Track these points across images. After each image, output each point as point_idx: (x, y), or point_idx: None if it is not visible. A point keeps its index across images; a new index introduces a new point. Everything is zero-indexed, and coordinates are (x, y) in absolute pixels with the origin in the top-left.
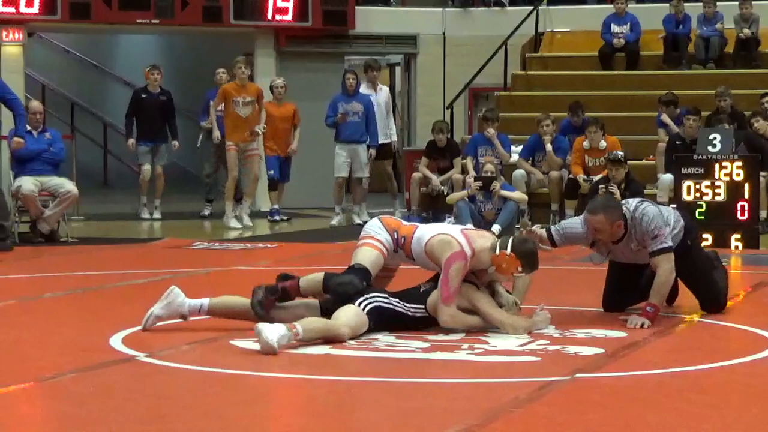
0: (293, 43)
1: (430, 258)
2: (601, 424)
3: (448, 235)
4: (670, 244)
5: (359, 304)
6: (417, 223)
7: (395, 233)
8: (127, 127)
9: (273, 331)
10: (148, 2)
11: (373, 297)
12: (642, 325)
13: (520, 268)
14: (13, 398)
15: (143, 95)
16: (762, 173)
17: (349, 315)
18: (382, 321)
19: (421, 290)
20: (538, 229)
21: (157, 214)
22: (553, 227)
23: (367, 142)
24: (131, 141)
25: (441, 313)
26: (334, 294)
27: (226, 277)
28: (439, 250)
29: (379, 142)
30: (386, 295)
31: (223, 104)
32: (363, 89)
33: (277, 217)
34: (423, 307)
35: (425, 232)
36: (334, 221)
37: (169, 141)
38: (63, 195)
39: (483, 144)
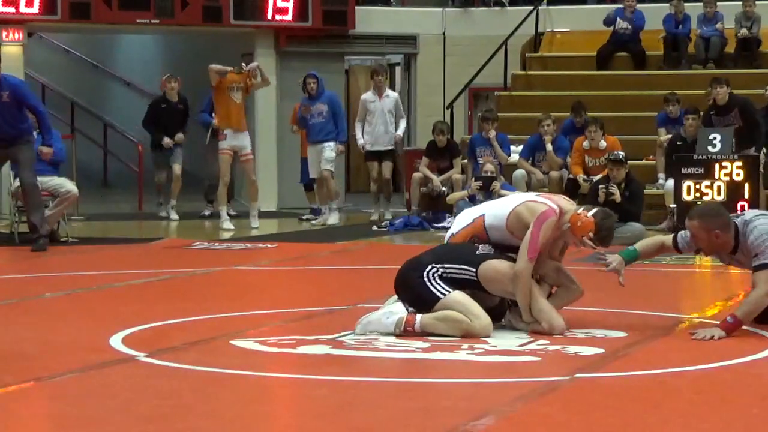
0: (293, 43)
1: (513, 231)
2: (601, 424)
3: (531, 201)
4: None
5: (427, 274)
6: (480, 212)
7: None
8: (152, 133)
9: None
10: (148, 2)
11: (437, 268)
12: (712, 337)
13: (592, 235)
14: (13, 398)
15: (163, 105)
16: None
17: (466, 303)
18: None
19: (477, 252)
20: (614, 263)
21: (174, 215)
22: (680, 234)
23: (337, 140)
24: (167, 140)
25: (520, 263)
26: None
27: (226, 277)
28: (527, 215)
29: (385, 149)
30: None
31: (214, 96)
32: (369, 95)
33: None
34: (472, 269)
35: (498, 212)
36: (320, 220)
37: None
38: (63, 195)
39: (482, 145)
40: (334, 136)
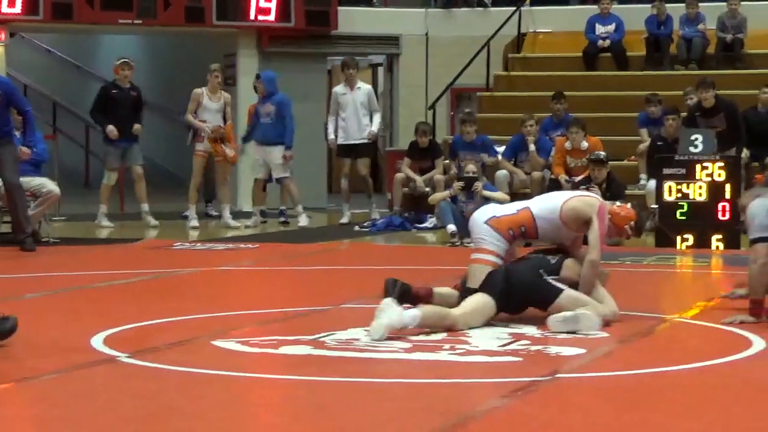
0: (276, 44)
1: (567, 222)
2: (581, 424)
3: (583, 196)
4: (757, 235)
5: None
6: (524, 205)
7: (510, 231)
8: (99, 122)
9: (390, 317)
10: (131, 2)
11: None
12: (741, 322)
13: (632, 224)
14: None
15: (114, 90)
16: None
17: (468, 303)
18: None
19: (552, 261)
20: None
21: (153, 221)
22: None
23: (285, 143)
24: (111, 127)
25: (595, 252)
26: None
27: (207, 277)
28: (584, 208)
29: (355, 142)
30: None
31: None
32: (340, 88)
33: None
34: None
35: (548, 205)
36: (250, 222)
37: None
38: (45, 195)
39: (463, 148)
40: (280, 140)
